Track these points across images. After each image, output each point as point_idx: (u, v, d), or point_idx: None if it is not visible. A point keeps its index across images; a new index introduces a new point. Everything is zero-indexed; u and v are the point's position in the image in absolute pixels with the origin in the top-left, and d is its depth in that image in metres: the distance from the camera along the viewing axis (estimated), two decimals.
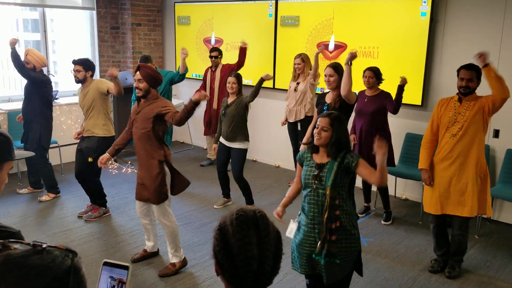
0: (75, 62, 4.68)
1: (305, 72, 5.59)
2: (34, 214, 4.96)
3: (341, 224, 2.78)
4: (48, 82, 5.18)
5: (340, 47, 5.85)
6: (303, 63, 5.55)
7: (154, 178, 3.70)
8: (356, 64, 5.64)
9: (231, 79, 4.85)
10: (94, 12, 7.29)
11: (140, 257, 4.06)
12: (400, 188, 5.61)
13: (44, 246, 0.93)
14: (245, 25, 6.79)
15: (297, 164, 3.04)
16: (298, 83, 5.62)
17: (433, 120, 3.85)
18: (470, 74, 3.62)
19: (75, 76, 4.70)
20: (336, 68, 4.14)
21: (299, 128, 5.75)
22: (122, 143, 3.95)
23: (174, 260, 3.86)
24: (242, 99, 4.84)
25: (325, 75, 4.18)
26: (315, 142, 2.85)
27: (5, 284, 0.86)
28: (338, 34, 5.84)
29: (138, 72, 3.66)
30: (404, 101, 5.31)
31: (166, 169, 3.77)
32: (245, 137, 4.90)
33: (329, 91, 4.28)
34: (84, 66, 4.66)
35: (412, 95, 5.30)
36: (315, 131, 2.85)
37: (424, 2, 5.06)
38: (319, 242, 2.79)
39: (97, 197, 4.88)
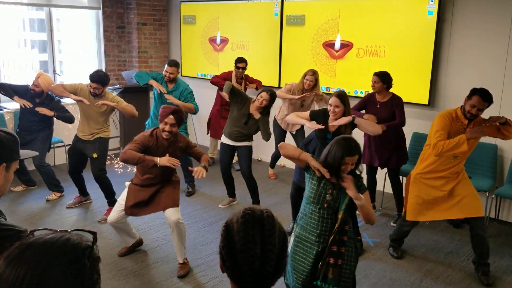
0: (93, 80, 4.65)
1: (313, 90, 5.35)
2: (40, 213, 4.97)
3: (346, 251, 2.73)
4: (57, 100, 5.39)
5: (346, 46, 5.82)
6: (315, 82, 5.28)
7: (175, 183, 3.91)
8: (363, 63, 5.65)
9: (266, 96, 4.65)
10: (100, 11, 7.31)
11: (126, 251, 4.13)
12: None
13: (69, 230, 1.01)
14: (250, 24, 6.78)
15: (307, 155, 2.82)
16: (304, 99, 5.45)
17: (444, 130, 3.66)
18: (484, 105, 3.59)
19: (93, 93, 4.71)
20: (343, 98, 3.80)
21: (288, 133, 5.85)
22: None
23: (183, 258, 3.87)
24: (262, 122, 4.70)
25: (330, 105, 3.82)
26: (341, 174, 2.67)
27: (35, 263, 0.91)
28: (344, 33, 5.81)
29: (172, 117, 3.68)
30: (410, 100, 5.31)
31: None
32: (251, 138, 4.95)
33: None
34: (102, 83, 4.67)
35: (419, 94, 5.27)
36: (345, 168, 2.64)
37: (431, 1, 5.03)
38: (321, 265, 2.71)
39: (108, 195, 4.92)
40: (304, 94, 5.29)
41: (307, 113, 4.08)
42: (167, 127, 3.69)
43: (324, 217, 2.73)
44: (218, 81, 6.13)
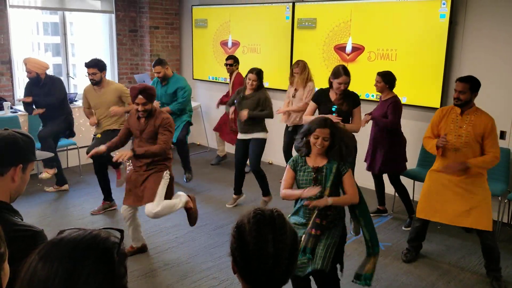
0: (89, 65, 4.71)
1: (299, 79, 5.52)
2: (52, 214, 5.03)
3: (327, 224, 2.90)
4: (59, 81, 5.29)
5: (357, 49, 5.81)
6: (297, 69, 5.53)
7: (157, 181, 3.82)
8: (374, 66, 5.63)
9: (252, 76, 4.81)
10: (113, 15, 7.38)
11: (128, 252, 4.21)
12: (418, 192, 5.52)
13: (96, 229, 1.04)
14: (262, 28, 6.80)
15: (289, 168, 3.08)
16: (296, 90, 5.59)
17: (432, 127, 3.90)
18: (463, 87, 3.67)
19: (92, 79, 4.74)
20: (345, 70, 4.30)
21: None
22: (116, 143, 4.08)
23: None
24: (261, 98, 4.79)
25: (340, 83, 4.26)
26: (316, 151, 2.93)
27: (67, 257, 0.95)
28: (355, 36, 5.81)
29: (141, 96, 3.68)
30: (422, 103, 5.29)
31: (166, 175, 3.90)
32: (262, 128, 4.90)
33: (328, 88, 4.39)
34: (98, 67, 4.71)
35: (431, 97, 5.24)
36: (317, 141, 2.90)
37: (443, 4, 5.01)
38: (303, 236, 2.85)
39: (103, 190, 4.98)
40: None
41: (311, 106, 4.45)
42: (140, 107, 3.73)
43: (312, 199, 2.90)
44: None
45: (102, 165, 4.96)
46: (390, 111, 4.58)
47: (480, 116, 3.67)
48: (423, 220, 4.00)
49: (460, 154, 3.71)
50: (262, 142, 4.94)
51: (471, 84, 3.65)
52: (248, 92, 4.89)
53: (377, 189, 5.06)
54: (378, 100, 5.05)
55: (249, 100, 4.82)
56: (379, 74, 4.67)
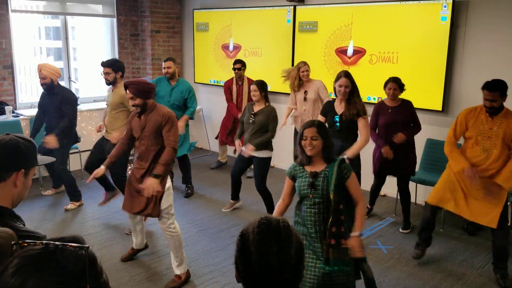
0: (104, 65, 4.66)
1: (310, 80, 5.53)
2: (54, 218, 5.03)
3: (345, 230, 2.79)
4: (71, 100, 5.08)
5: (359, 52, 5.81)
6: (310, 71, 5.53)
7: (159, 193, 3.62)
8: (376, 69, 5.64)
9: (252, 87, 4.79)
10: (115, 19, 7.40)
11: (128, 256, 4.13)
12: (420, 195, 5.52)
13: (57, 243, 0.93)
14: (263, 31, 6.81)
15: (287, 179, 2.99)
16: (306, 92, 5.51)
17: (458, 125, 3.90)
18: (493, 96, 3.66)
19: (105, 79, 4.67)
20: (348, 77, 4.22)
21: None
22: (117, 156, 3.85)
23: (178, 271, 3.76)
24: (272, 113, 4.73)
25: (340, 86, 4.20)
26: (308, 153, 2.83)
27: (22, 282, 0.86)
28: (357, 39, 5.81)
29: (128, 91, 3.57)
30: (424, 106, 5.29)
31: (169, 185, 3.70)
32: (267, 146, 4.79)
33: (335, 99, 4.39)
34: (113, 67, 4.64)
35: (433, 100, 5.24)
36: (305, 142, 2.82)
37: (445, 6, 5.01)
38: (325, 249, 2.75)
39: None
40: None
41: (319, 118, 4.42)
42: (130, 102, 3.64)
43: (313, 208, 2.80)
44: (228, 97, 6.46)
45: (95, 165, 4.82)
46: (414, 115, 4.67)
47: (510, 118, 3.69)
48: (432, 208, 4.02)
49: (488, 155, 3.76)
50: (267, 161, 4.83)
51: (501, 91, 3.67)
52: (257, 107, 4.80)
53: (374, 188, 5.09)
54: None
55: (260, 116, 4.72)
56: (395, 81, 4.60)
